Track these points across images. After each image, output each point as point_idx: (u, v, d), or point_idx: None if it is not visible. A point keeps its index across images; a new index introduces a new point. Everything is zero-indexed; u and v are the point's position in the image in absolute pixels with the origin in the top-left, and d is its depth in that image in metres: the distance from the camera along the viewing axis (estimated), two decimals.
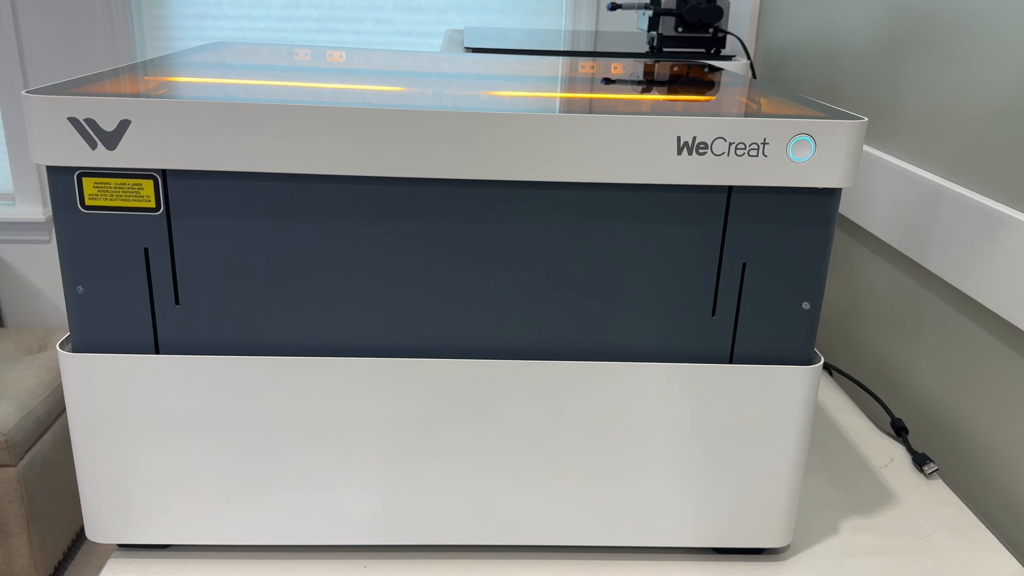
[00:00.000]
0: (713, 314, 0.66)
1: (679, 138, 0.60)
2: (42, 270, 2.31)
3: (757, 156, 0.61)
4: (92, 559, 2.13)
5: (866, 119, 0.62)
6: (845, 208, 1.14)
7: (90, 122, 0.57)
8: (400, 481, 0.69)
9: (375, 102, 0.60)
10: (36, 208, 2.23)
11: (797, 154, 0.61)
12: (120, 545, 0.72)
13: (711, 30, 1.37)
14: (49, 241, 2.28)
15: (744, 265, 0.64)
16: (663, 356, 0.67)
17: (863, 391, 1.04)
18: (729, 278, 0.65)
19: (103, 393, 0.65)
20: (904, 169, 0.99)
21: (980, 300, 0.85)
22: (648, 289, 0.65)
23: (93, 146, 0.57)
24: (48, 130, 0.57)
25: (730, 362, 0.68)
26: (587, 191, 0.62)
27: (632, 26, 2.20)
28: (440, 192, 0.61)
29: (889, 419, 0.97)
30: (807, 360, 0.68)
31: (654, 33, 1.39)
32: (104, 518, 0.69)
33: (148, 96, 0.58)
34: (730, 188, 0.62)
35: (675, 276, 0.65)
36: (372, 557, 0.73)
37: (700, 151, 0.61)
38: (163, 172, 0.59)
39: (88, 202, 0.59)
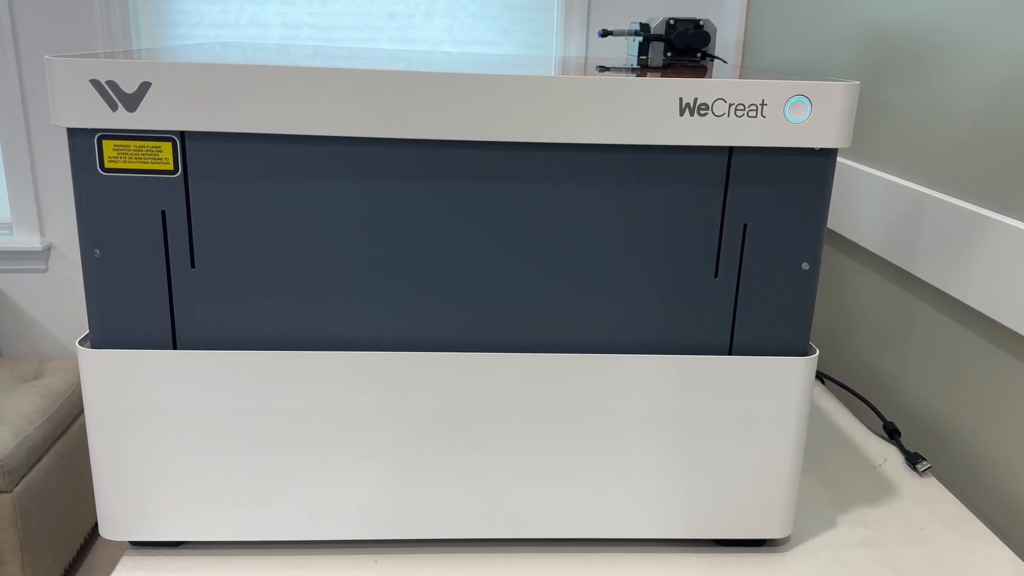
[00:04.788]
0: (716, 275, 0.67)
1: (681, 99, 0.62)
2: (39, 299, 2.31)
3: (756, 117, 0.63)
4: None
5: (859, 82, 0.65)
6: (832, 222, 1.17)
7: (111, 84, 0.58)
8: (410, 476, 0.70)
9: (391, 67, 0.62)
10: (34, 237, 2.24)
11: (794, 115, 0.63)
12: (132, 544, 0.72)
13: (699, 55, 1.42)
14: (46, 270, 2.28)
15: (745, 226, 0.66)
16: (665, 346, 0.68)
17: (855, 397, 1.05)
18: (731, 239, 0.66)
19: (120, 389, 0.66)
20: (889, 180, 1.02)
21: (965, 300, 0.87)
22: (653, 253, 0.66)
23: (114, 108, 0.59)
24: (70, 92, 0.58)
25: (729, 353, 0.69)
26: (593, 152, 0.64)
27: (621, 54, 2.25)
28: (449, 154, 0.63)
29: (881, 423, 0.98)
30: (803, 351, 0.70)
31: (644, 58, 1.43)
32: (118, 515, 0.69)
33: (168, 59, 0.60)
34: (731, 149, 0.64)
35: (679, 237, 0.66)
36: (383, 552, 0.73)
37: (701, 112, 0.63)
38: (182, 134, 0.61)
39: (108, 164, 0.61)
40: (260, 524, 0.70)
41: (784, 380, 0.69)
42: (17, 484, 1.84)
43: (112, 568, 2.15)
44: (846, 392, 1.08)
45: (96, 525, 2.25)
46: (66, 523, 2.06)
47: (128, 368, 0.65)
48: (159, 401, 0.66)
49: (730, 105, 0.63)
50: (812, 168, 0.65)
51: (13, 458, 1.82)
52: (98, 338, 0.65)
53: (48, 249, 2.27)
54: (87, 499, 2.17)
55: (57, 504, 2.01)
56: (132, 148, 0.60)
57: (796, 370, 0.69)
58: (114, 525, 0.69)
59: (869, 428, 1.00)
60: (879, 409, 1.05)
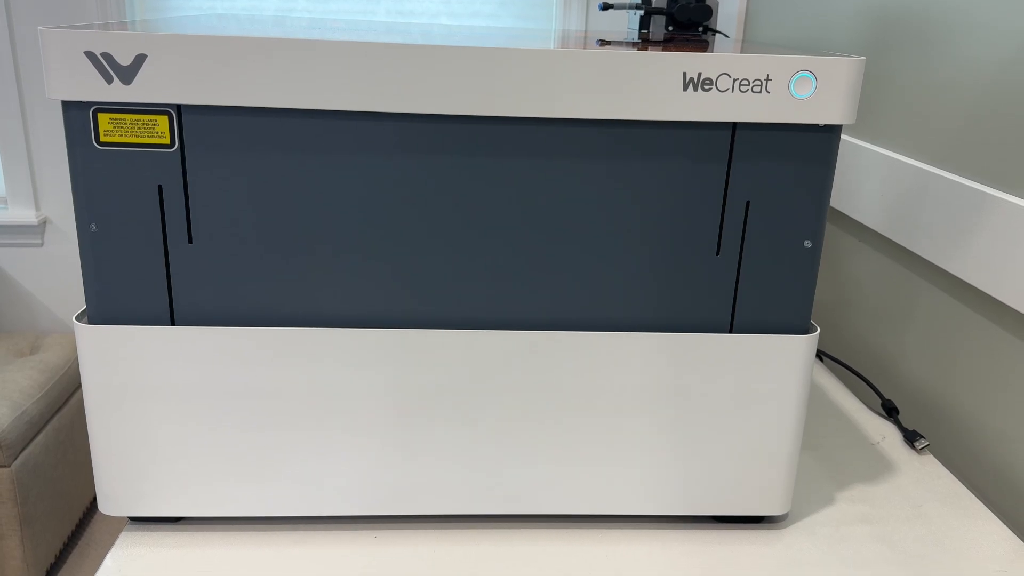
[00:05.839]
0: (718, 253, 0.67)
1: (685, 74, 0.62)
2: (35, 274, 2.30)
3: (760, 92, 0.62)
4: (85, 562, 2.10)
5: (864, 58, 0.64)
6: (832, 199, 1.16)
7: (106, 56, 0.57)
8: (409, 453, 0.69)
9: (388, 39, 0.61)
10: (29, 211, 2.23)
11: (799, 90, 0.63)
12: (132, 519, 0.72)
13: (700, 29, 1.41)
14: (42, 244, 2.27)
15: (748, 203, 0.66)
16: (666, 324, 0.68)
17: (854, 375, 1.05)
18: (733, 216, 0.66)
19: (118, 365, 0.65)
20: (891, 158, 1.01)
21: (966, 279, 0.87)
22: (654, 230, 0.66)
23: (109, 80, 0.58)
24: (64, 64, 0.57)
25: (730, 331, 0.69)
26: (595, 128, 0.63)
27: (622, 27, 2.23)
28: (449, 129, 0.62)
29: (880, 400, 0.98)
30: (804, 329, 0.69)
31: (645, 32, 1.42)
32: (117, 491, 0.69)
33: (164, 31, 0.59)
34: (734, 125, 0.64)
35: (681, 214, 0.66)
36: (382, 527, 0.73)
37: (705, 87, 0.62)
38: (178, 108, 0.60)
39: (103, 138, 0.60)
40: (259, 500, 0.70)
41: (785, 358, 0.69)
42: (15, 458, 1.84)
43: (111, 542, 2.16)
44: (845, 370, 1.08)
45: (95, 499, 2.25)
46: (64, 497, 2.07)
47: (126, 344, 0.65)
48: (157, 377, 0.66)
49: (734, 80, 0.62)
50: (816, 145, 0.64)
51: (11, 433, 1.82)
52: (95, 314, 0.64)
53: (43, 223, 2.25)
54: (85, 473, 2.17)
55: (55, 479, 2.01)
56: (128, 121, 0.60)
57: (797, 348, 0.69)
58: (113, 501, 0.69)
59: (867, 406, 1.00)
60: (877, 387, 1.05)
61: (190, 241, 0.63)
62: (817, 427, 0.94)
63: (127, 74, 0.58)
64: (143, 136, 0.60)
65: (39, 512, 1.93)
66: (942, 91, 0.94)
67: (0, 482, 1.81)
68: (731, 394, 0.70)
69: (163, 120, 0.60)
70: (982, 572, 0.71)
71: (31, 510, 1.89)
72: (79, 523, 2.22)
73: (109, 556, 0.67)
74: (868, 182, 1.06)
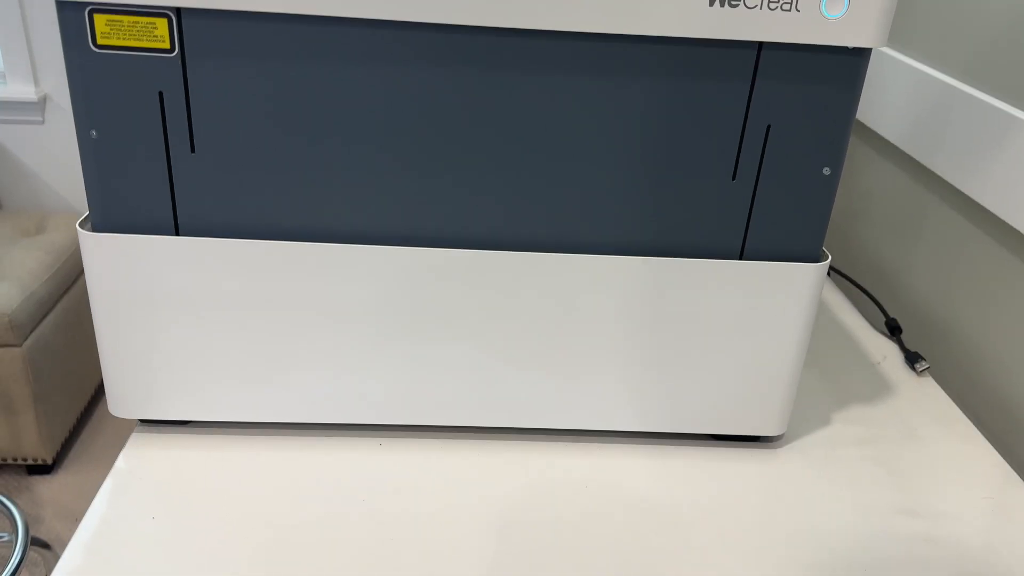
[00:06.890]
0: (734, 178, 0.65)
1: None
2: (37, 152, 2.27)
3: (790, 11, 0.59)
4: (98, 437, 2.17)
5: None
6: None
7: None
8: (413, 366, 0.70)
9: None
10: (28, 87, 2.18)
11: (830, 10, 0.59)
12: (142, 421, 0.73)
13: None
14: (43, 122, 2.23)
15: (768, 127, 0.63)
16: (677, 249, 0.67)
17: (860, 291, 1.05)
18: (752, 140, 0.64)
19: (123, 273, 0.65)
20: (918, 70, 0.97)
21: (981, 201, 0.85)
22: (671, 152, 0.64)
23: None
24: None
25: (741, 257, 0.68)
26: (614, 44, 0.60)
27: None
28: (459, 40, 0.60)
29: (884, 319, 0.98)
30: (815, 257, 0.68)
31: None
32: (126, 394, 0.70)
33: None
34: (760, 44, 0.61)
35: (699, 137, 0.64)
36: (387, 436, 0.74)
37: (733, 3, 0.59)
38: (177, 11, 0.57)
39: (100, 41, 0.57)
40: (266, 406, 0.71)
41: (794, 286, 0.68)
42: (26, 338, 1.87)
43: (123, 420, 2.23)
44: (850, 284, 1.08)
45: None
46: (76, 376, 2.11)
47: (130, 252, 0.64)
48: (163, 286, 0.66)
49: None
50: (843, 68, 0.62)
51: (20, 313, 1.84)
52: (99, 221, 0.64)
53: (43, 100, 2.21)
54: (94, 353, 2.21)
55: (66, 358, 2.05)
56: (126, 24, 0.57)
57: (807, 276, 0.68)
58: (122, 404, 0.70)
59: (871, 323, 1.00)
60: (883, 304, 1.05)
61: (193, 150, 0.61)
62: (819, 344, 0.95)
63: None
64: (142, 40, 0.58)
65: (51, 389, 1.98)
66: (978, 1, 0.89)
67: (13, 361, 1.85)
68: (737, 319, 0.69)
69: (162, 23, 0.57)
70: (971, 497, 0.72)
71: (44, 387, 1.94)
72: (91, 400, 2.28)
73: (121, 457, 0.69)
74: (891, 94, 1.02)
